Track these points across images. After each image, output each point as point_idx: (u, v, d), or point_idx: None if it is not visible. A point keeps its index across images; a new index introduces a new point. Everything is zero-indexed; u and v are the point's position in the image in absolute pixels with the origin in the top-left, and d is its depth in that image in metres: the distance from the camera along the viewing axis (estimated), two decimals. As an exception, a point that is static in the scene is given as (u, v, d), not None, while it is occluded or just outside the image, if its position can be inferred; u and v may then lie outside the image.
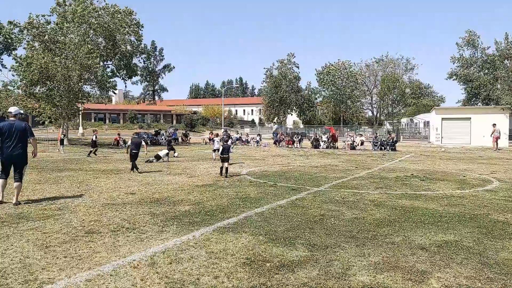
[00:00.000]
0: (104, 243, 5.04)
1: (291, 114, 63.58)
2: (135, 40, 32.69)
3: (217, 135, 20.64)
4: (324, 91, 62.76)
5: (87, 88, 30.79)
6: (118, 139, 28.01)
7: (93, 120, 59.82)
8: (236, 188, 9.61)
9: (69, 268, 4.15)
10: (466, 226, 6.01)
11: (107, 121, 62.42)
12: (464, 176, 12.36)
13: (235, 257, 4.58)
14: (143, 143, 13.34)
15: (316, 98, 62.77)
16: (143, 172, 12.68)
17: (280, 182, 10.75)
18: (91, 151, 19.03)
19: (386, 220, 6.43)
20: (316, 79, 62.65)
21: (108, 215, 6.58)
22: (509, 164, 16.56)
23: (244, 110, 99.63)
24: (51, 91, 25.75)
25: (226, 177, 11.48)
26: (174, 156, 18.63)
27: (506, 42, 46.08)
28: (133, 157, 12.64)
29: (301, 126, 61.97)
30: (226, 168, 11.70)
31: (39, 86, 25.77)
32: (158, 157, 16.25)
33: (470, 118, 33.24)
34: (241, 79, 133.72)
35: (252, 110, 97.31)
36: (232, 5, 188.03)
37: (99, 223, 6.03)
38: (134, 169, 12.46)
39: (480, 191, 9.37)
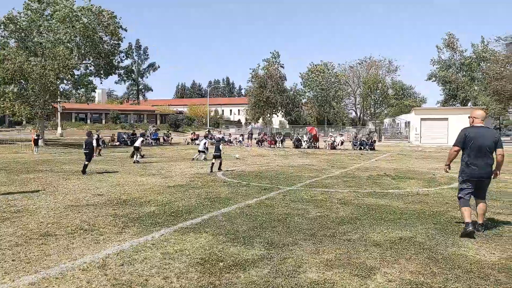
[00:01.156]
0: (57, 245, 4.96)
1: (277, 115, 63.82)
2: (115, 40, 32.23)
3: (205, 136, 20.95)
4: (309, 91, 63.23)
5: (65, 87, 30.27)
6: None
7: (73, 120, 58.70)
8: (208, 188, 9.59)
9: (15, 271, 4.06)
10: (423, 223, 6.15)
11: (88, 121, 61.43)
12: (434, 175, 12.63)
13: (190, 257, 4.57)
14: (94, 143, 13.15)
15: (301, 100, 63.16)
16: (109, 172, 12.56)
17: (254, 182, 10.77)
18: (99, 151, 19.57)
19: (348, 218, 6.51)
20: (301, 82, 63.20)
21: (69, 217, 6.48)
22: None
23: (230, 110, 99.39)
24: (25, 90, 25.20)
25: (219, 169, 13.09)
26: (141, 156, 18.21)
27: (482, 45, 47.29)
28: (86, 156, 12.44)
29: (287, 126, 62.28)
30: (220, 163, 13.29)
31: (12, 85, 25.13)
32: (136, 149, 16.20)
33: (448, 118, 33.94)
34: (228, 79, 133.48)
35: (238, 110, 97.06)
36: (220, 4, 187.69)
37: (57, 225, 5.93)
38: (84, 172, 12.22)
39: (445, 188, 9.59)
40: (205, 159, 17.19)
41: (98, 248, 4.89)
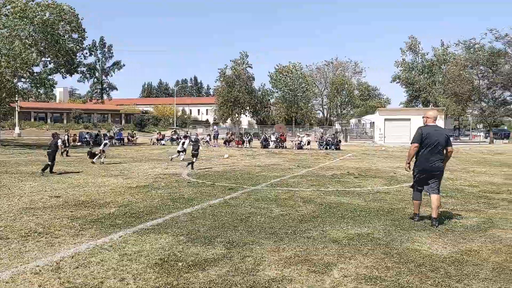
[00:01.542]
0: (9, 249, 4.73)
1: (246, 115, 63.87)
2: (78, 37, 31.04)
3: (185, 136, 21.06)
4: (277, 92, 63.74)
5: (23, 85, 28.83)
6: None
7: (33, 120, 55.94)
8: (172, 189, 9.44)
9: (-41, 277, 3.83)
10: (381, 220, 6.36)
11: (48, 120, 58.77)
12: (395, 173, 13.10)
13: (148, 258, 4.49)
14: (59, 142, 12.82)
15: (269, 100, 63.55)
16: (67, 172, 12.12)
17: (219, 182, 10.72)
18: (66, 152, 19.29)
19: (310, 216, 6.63)
20: (269, 81, 63.57)
21: (23, 219, 6.18)
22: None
23: (198, 110, 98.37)
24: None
25: (192, 168, 13.49)
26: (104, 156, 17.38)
27: (442, 48, 49.59)
28: (49, 157, 12.02)
29: (255, 126, 62.48)
30: (193, 162, 13.89)
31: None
32: (94, 154, 15.68)
33: (410, 119, 35.31)
34: (195, 78, 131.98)
35: (206, 110, 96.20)
36: (189, 3, 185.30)
37: (10, 228, 5.65)
38: (43, 171, 11.75)
39: (405, 186, 9.95)
40: (178, 158, 17.44)
41: (53, 251, 4.70)
